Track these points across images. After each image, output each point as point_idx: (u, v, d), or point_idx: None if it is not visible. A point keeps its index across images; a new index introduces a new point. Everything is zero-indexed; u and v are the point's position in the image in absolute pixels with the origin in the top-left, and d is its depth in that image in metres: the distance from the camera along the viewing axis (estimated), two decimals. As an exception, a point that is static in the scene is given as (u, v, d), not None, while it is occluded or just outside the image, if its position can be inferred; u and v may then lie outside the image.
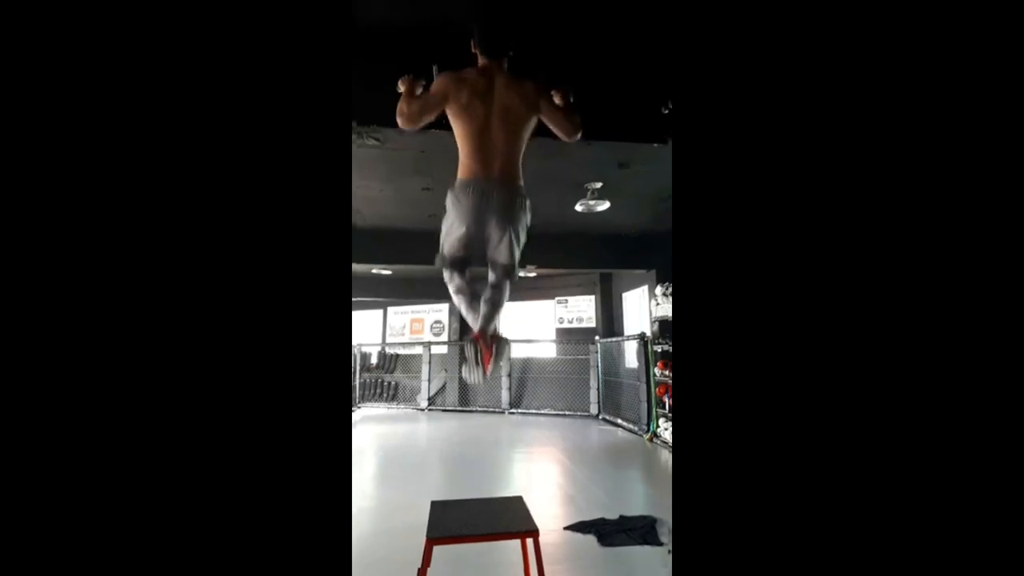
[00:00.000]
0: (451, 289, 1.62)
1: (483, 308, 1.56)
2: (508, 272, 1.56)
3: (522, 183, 1.56)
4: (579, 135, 1.66)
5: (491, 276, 1.59)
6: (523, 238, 1.57)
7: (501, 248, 1.53)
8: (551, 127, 1.63)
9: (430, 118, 1.55)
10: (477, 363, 1.53)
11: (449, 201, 1.54)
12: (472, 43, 1.60)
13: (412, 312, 8.88)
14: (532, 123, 1.59)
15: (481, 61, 1.59)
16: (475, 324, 1.55)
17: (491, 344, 1.54)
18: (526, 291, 7.42)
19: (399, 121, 1.55)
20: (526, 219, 1.56)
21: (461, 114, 1.51)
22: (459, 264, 1.57)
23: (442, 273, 1.62)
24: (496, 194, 1.48)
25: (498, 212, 1.49)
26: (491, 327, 1.56)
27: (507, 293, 1.60)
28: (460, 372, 1.74)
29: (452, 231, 1.54)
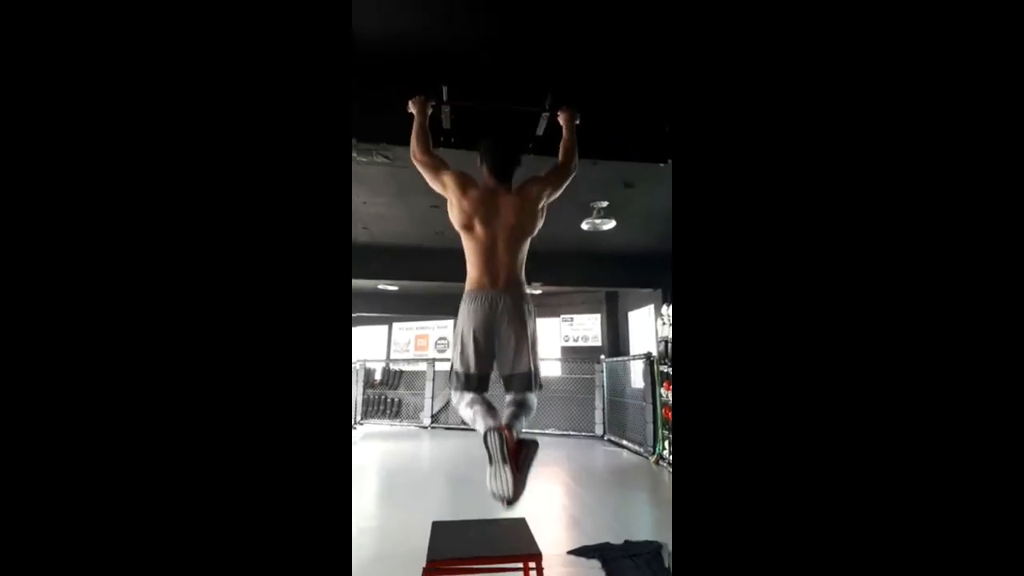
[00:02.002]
0: (463, 404, 1.47)
1: (508, 409, 1.43)
2: (530, 383, 1.47)
3: (526, 289, 1.58)
4: (575, 171, 1.70)
5: (511, 396, 1.48)
6: (538, 343, 1.54)
7: (519, 358, 1.47)
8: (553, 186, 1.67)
9: (431, 181, 1.64)
10: (504, 459, 1.25)
11: (461, 314, 1.53)
12: (479, 157, 1.64)
13: (417, 328, 8.88)
14: (539, 222, 1.61)
15: (488, 180, 1.62)
16: (496, 425, 1.34)
17: (517, 445, 1.30)
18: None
19: (414, 160, 1.65)
20: (534, 323, 1.54)
21: (465, 233, 1.57)
22: (474, 384, 1.48)
23: (451, 392, 1.53)
24: (504, 302, 1.50)
25: (508, 318, 1.49)
26: (517, 425, 1.38)
27: (535, 403, 1.49)
28: (486, 482, 1.27)
29: (465, 345, 1.49)
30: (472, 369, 1.47)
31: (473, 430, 1.47)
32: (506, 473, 1.25)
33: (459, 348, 1.51)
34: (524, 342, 1.48)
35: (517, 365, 1.48)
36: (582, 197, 3.83)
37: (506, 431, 1.29)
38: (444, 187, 1.61)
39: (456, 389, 1.50)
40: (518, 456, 1.28)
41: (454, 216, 1.59)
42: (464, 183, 1.58)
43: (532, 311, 1.55)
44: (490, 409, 1.42)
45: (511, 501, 1.28)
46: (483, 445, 1.30)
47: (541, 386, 1.49)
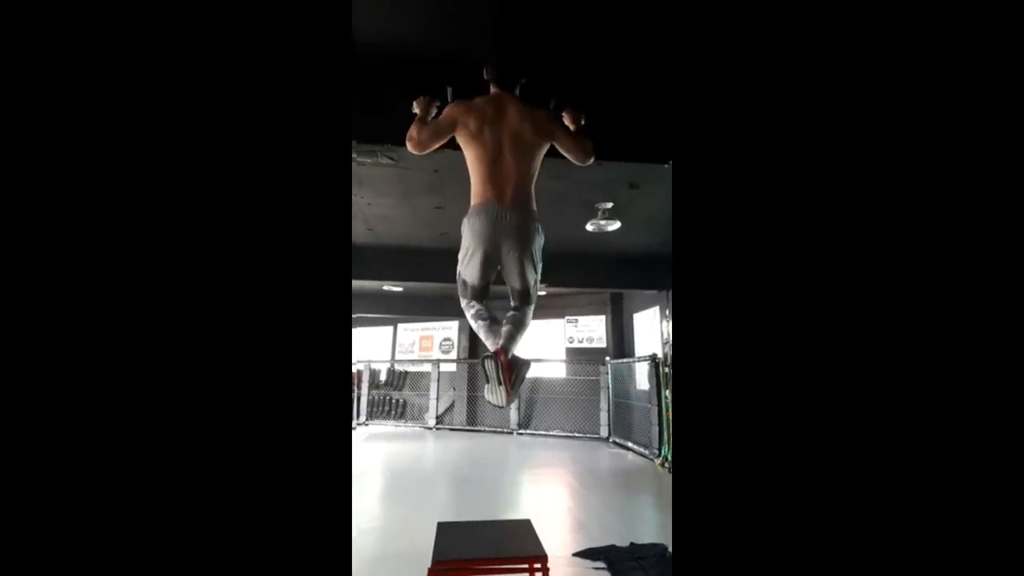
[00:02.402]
0: (469, 315, 1.60)
1: (505, 327, 1.53)
2: (526, 297, 1.58)
3: (535, 207, 1.58)
4: (592, 159, 1.67)
5: (511, 302, 1.61)
6: (539, 261, 1.58)
7: (518, 274, 1.55)
8: (564, 153, 1.66)
9: (438, 144, 1.60)
10: (499, 380, 1.45)
11: (464, 228, 1.56)
12: (484, 71, 1.65)
13: (422, 329, 8.88)
14: (544, 149, 1.62)
15: (493, 89, 1.63)
16: (495, 345, 1.52)
17: (511, 364, 1.48)
18: (536, 309, 7.39)
19: (408, 145, 1.60)
20: (540, 242, 1.58)
21: (472, 141, 1.55)
22: (478, 293, 1.57)
23: (459, 297, 1.62)
24: (510, 219, 1.50)
25: (513, 237, 1.51)
26: (512, 346, 1.52)
27: (529, 317, 1.59)
28: (484, 393, 1.66)
29: (469, 259, 1.55)
30: (477, 281, 1.55)
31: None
32: (500, 391, 1.47)
33: (465, 260, 1.56)
34: (524, 260, 1.53)
35: (516, 280, 1.57)
36: (587, 198, 3.82)
37: (502, 355, 1.46)
38: (446, 124, 1.55)
39: (462, 295, 1.59)
40: (511, 374, 1.47)
41: (463, 134, 1.55)
42: (466, 102, 1.59)
43: (539, 229, 1.57)
44: (492, 325, 1.54)
45: (504, 407, 1.58)
46: (481, 367, 1.51)
47: (535, 300, 1.61)
